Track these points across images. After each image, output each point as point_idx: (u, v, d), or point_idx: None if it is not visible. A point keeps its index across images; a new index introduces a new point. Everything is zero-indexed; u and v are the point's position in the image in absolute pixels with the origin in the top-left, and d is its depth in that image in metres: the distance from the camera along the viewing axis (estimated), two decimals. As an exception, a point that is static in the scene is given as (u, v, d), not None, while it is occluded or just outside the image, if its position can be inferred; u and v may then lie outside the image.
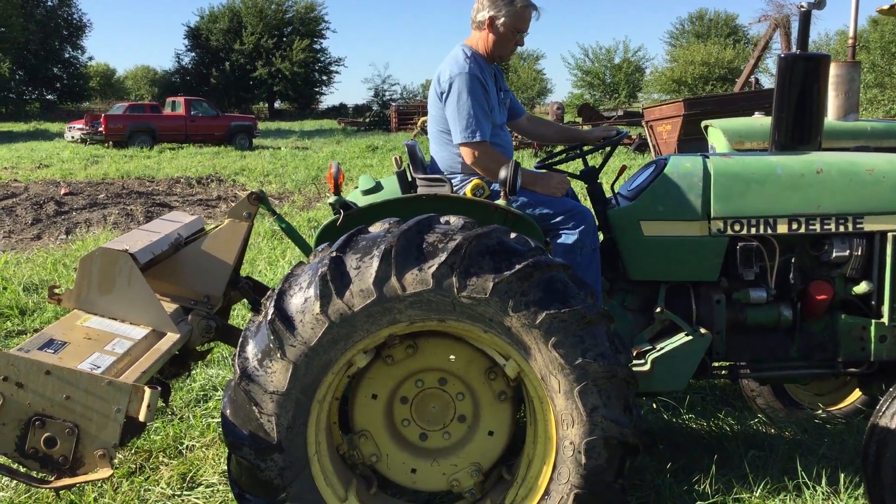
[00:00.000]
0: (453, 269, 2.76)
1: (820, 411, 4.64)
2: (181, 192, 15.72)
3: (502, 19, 3.81)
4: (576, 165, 4.24)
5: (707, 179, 3.62)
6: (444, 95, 3.78)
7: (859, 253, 3.60)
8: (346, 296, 2.78)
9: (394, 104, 44.33)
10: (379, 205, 3.43)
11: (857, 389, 4.50)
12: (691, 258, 3.65)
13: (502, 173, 3.38)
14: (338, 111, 64.69)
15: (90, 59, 69.47)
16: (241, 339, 2.92)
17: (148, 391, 2.76)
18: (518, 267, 2.78)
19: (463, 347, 3.17)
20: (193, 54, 66.20)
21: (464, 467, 3.23)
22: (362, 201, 3.68)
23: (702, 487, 3.81)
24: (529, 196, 3.72)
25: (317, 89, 70.16)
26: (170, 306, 3.63)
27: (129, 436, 3.05)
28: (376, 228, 2.96)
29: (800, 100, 3.87)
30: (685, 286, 3.74)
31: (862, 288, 3.66)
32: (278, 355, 2.82)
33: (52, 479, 2.78)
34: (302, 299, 2.81)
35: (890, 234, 3.57)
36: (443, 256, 2.76)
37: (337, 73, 62.68)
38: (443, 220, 2.95)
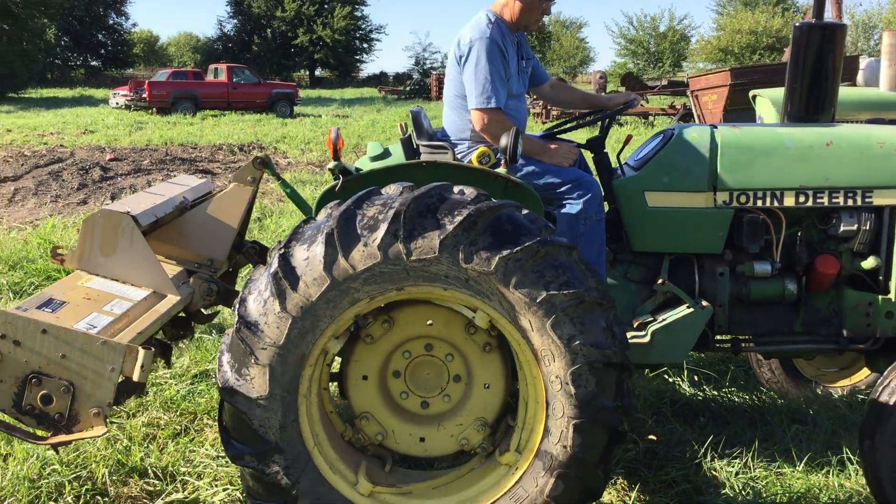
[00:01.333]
0: (459, 242, 2.75)
1: (830, 387, 4.59)
2: (223, 159, 15.84)
3: None
4: (586, 133, 4.19)
5: (714, 150, 3.56)
6: (463, 59, 3.75)
7: (867, 227, 3.53)
8: (301, 288, 2.78)
9: (434, 72, 44.04)
10: (379, 171, 3.44)
11: (865, 366, 4.45)
12: (696, 230, 3.60)
13: (503, 141, 3.36)
14: (378, 79, 64.53)
15: (134, 25, 70.13)
16: (219, 354, 2.93)
17: (142, 352, 2.83)
18: (525, 244, 2.76)
19: (436, 310, 3.15)
20: (235, 21, 66.36)
21: (469, 424, 3.24)
22: (369, 168, 3.66)
23: (744, 461, 3.78)
24: (536, 165, 3.70)
25: (357, 57, 70.02)
26: (173, 269, 3.68)
27: (126, 395, 3.09)
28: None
29: (814, 70, 3.80)
30: (689, 258, 3.69)
31: (869, 263, 3.59)
32: (252, 361, 2.84)
33: (49, 435, 2.84)
34: (262, 302, 2.82)
35: None
36: (450, 228, 2.75)
37: (378, 40, 62.55)
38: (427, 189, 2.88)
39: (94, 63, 65.45)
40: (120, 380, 2.86)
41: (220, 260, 3.76)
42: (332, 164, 3.51)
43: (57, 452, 3.56)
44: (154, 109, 28.41)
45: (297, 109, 30.70)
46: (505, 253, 2.74)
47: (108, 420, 2.87)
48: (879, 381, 3.13)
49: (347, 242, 2.76)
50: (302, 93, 37.75)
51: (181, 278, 3.63)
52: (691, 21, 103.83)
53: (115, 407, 2.95)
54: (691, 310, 3.53)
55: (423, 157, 3.65)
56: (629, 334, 3.52)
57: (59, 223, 8.93)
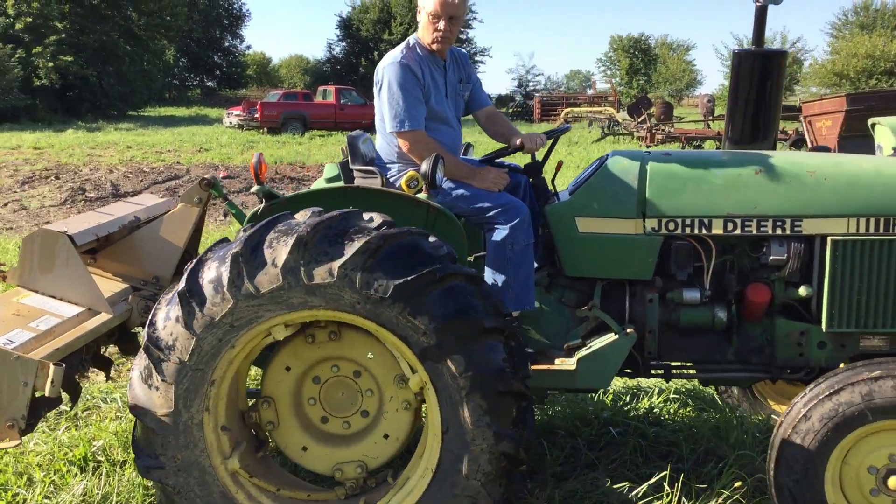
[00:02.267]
0: (356, 268, 2.80)
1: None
2: (330, 178, 16.23)
3: (420, 6, 3.83)
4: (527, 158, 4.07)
5: (643, 177, 3.52)
6: (378, 86, 3.79)
7: (798, 256, 3.46)
8: (207, 308, 2.88)
9: (537, 94, 44.18)
10: (304, 195, 3.52)
11: None
12: (625, 256, 3.56)
13: (423, 167, 3.39)
14: (481, 101, 64.90)
15: (248, 47, 72.55)
16: (130, 370, 2.98)
17: (52, 368, 2.91)
18: (422, 272, 2.81)
19: (383, 349, 3.16)
20: (344, 44, 67.96)
21: (352, 460, 3.25)
22: (315, 189, 3.74)
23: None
24: (466, 189, 3.69)
25: (461, 79, 70.64)
26: (117, 286, 3.78)
27: (44, 409, 3.17)
28: (293, 219, 3.01)
29: (754, 97, 3.76)
30: (621, 284, 3.65)
31: (801, 292, 3.51)
32: (159, 378, 2.94)
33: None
34: (170, 320, 2.92)
35: (829, 238, 3.38)
36: (349, 254, 2.80)
37: (482, 62, 62.68)
38: (327, 216, 2.93)
39: (209, 83, 68.14)
40: (36, 394, 2.95)
41: (165, 278, 3.84)
42: (255, 188, 3.61)
43: None
44: (265, 129, 29.35)
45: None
46: (401, 280, 2.79)
47: (21, 432, 2.96)
48: (786, 410, 3.12)
49: (252, 265, 2.84)
50: (406, 114, 38.26)
51: (121, 296, 3.72)
52: (804, 44, 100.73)
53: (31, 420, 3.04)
54: (616, 336, 3.50)
55: (357, 182, 3.73)
56: (558, 360, 3.54)
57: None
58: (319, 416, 3.29)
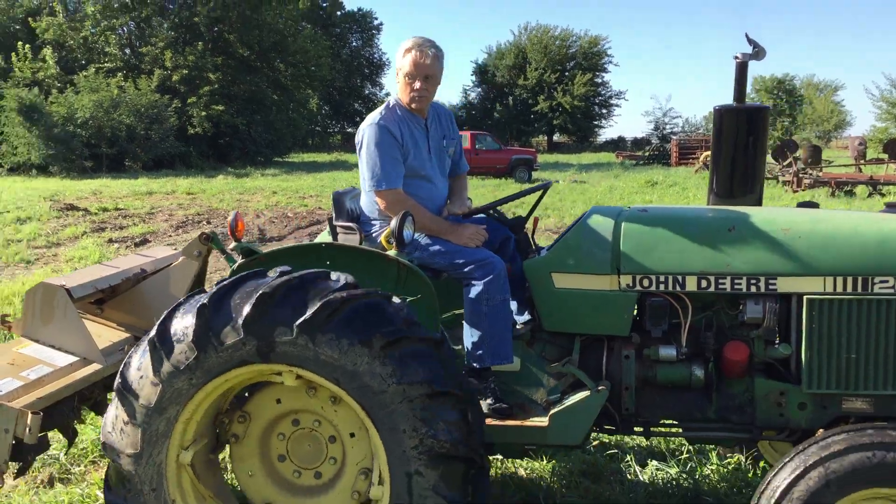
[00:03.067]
0: (315, 328, 2.87)
1: None
2: (465, 224, 16.33)
3: (397, 67, 3.93)
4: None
5: (617, 233, 3.51)
6: (358, 146, 3.91)
7: (774, 315, 3.37)
8: (174, 357, 2.99)
9: (675, 137, 43.29)
10: (280, 251, 3.62)
11: None
12: (601, 312, 3.53)
13: (392, 224, 3.46)
14: (616, 144, 64.42)
15: (387, 94, 74.54)
16: (129, 352, 3.14)
17: (30, 416, 3.12)
18: (377, 335, 2.88)
19: (280, 388, 3.25)
20: (479, 90, 69.15)
21: (355, 475, 3.29)
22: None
23: None
24: (442, 245, 3.74)
25: (596, 122, 70.43)
26: (120, 335, 3.94)
27: (29, 455, 3.35)
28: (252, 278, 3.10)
29: (736, 152, 3.80)
30: (599, 339, 3.63)
31: (780, 351, 3.42)
32: (129, 420, 3.06)
33: None
34: (140, 366, 3.05)
35: (805, 297, 3.29)
36: (308, 313, 2.87)
37: (617, 106, 62.58)
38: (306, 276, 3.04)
39: (349, 130, 70.54)
40: (12, 441, 3.14)
41: None
42: (232, 245, 3.75)
43: None
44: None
45: (535, 174, 31.19)
46: (358, 342, 2.86)
47: (3, 476, 3.20)
48: (773, 468, 3.02)
49: (217, 318, 2.93)
50: (540, 158, 38.39)
51: (119, 346, 3.85)
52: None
53: (12, 464, 3.27)
54: (587, 393, 3.47)
55: (340, 238, 3.85)
56: (533, 416, 3.52)
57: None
58: (312, 475, 3.36)
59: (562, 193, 22.70)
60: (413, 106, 3.92)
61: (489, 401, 3.57)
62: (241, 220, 3.86)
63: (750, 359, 3.45)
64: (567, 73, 65.50)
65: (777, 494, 2.90)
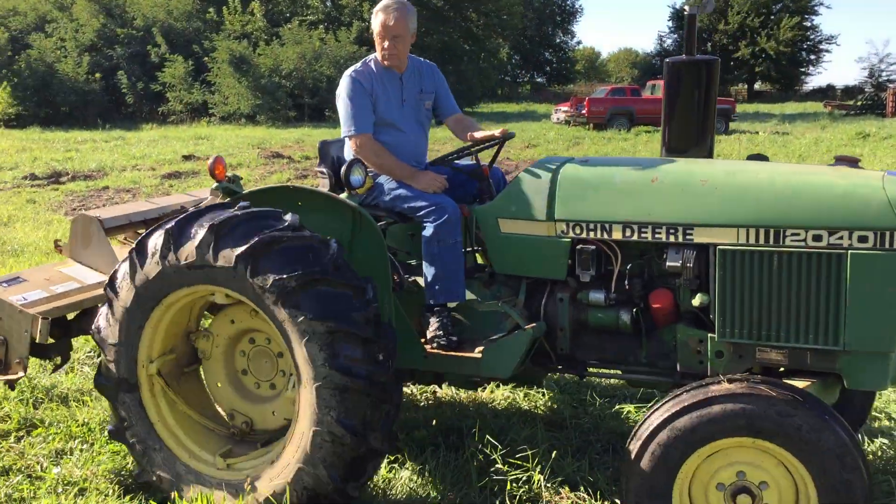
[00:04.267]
0: (248, 259, 3.29)
1: None
2: (656, 177, 15.94)
3: (371, 29, 4.35)
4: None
5: (554, 183, 3.70)
6: (337, 97, 4.29)
7: (692, 264, 3.45)
8: (146, 267, 3.54)
9: (892, 85, 39.84)
10: (255, 192, 3.97)
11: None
12: (540, 256, 3.76)
13: (342, 169, 3.89)
14: (824, 93, 60.11)
15: (578, 43, 73.64)
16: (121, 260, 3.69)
17: (40, 321, 3.94)
18: (298, 272, 3.26)
19: (235, 309, 3.77)
20: (676, 36, 66.39)
21: (245, 413, 3.87)
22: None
23: None
24: (404, 189, 4.08)
25: (803, 69, 65.94)
26: None
27: (49, 351, 4.28)
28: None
29: (687, 105, 3.88)
30: (543, 282, 3.85)
31: (698, 300, 3.51)
32: (111, 315, 3.68)
33: (12, 372, 4.09)
34: (123, 271, 3.62)
35: (718, 248, 3.36)
36: (244, 246, 3.30)
37: (827, 51, 58.18)
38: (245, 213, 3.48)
39: (539, 79, 70.11)
40: (30, 339, 3.97)
41: None
42: (214, 186, 4.33)
43: (12, 388, 4.48)
44: (591, 125, 29.55)
45: (732, 125, 29.79)
46: (281, 276, 3.25)
47: (26, 367, 4.05)
48: (640, 419, 3.12)
49: (179, 240, 3.43)
50: (739, 108, 36.57)
51: None
52: None
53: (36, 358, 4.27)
54: (516, 331, 3.74)
55: (316, 183, 4.31)
56: (479, 348, 3.77)
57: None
58: (242, 367, 3.88)
59: (761, 146, 21.60)
60: (385, 63, 4.28)
61: (438, 333, 3.87)
62: (221, 163, 4.29)
63: (675, 306, 3.60)
64: (773, 17, 61.52)
65: (648, 432, 3.03)
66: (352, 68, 4.32)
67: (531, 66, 69.42)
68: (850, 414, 3.98)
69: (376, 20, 4.23)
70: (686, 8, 3.89)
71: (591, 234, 3.63)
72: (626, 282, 3.66)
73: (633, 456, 3.06)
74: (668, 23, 67.63)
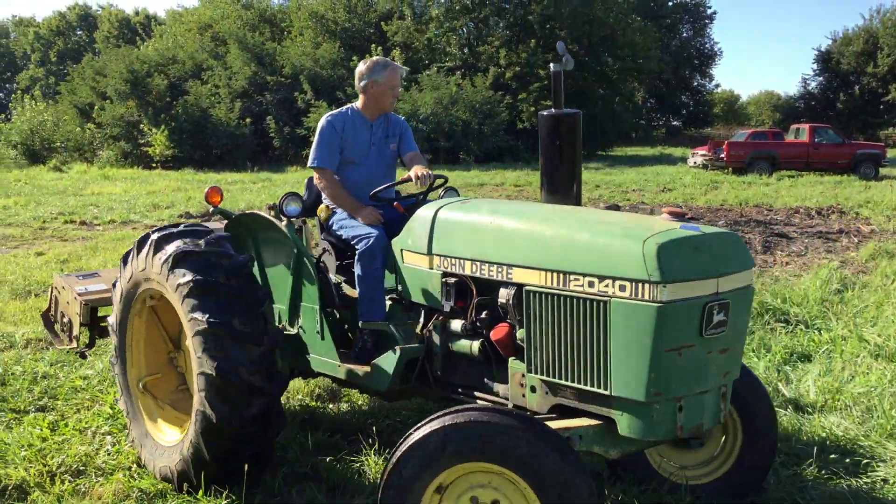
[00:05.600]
0: (167, 265, 4.12)
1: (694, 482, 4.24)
2: (800, 223, 15.42)
3: (359, 85, 5.05)
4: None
5: (433, 220, 4.12)
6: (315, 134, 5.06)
7: (512, 302, 3.71)
8: (129, 267, 4.56)
9: None
10: (237, 217, 4.97)
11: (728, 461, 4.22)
12: (423, 286, 4.19)
13: (279, 200, 4.65)
14: None
15: (717, 86, 72.01)
16: None
17: (83, 306, 5.46)
18: (201, 280, 4.01)
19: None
20: (821, 79, 64.03)
21: None
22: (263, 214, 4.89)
23: None
24: (348, 220, 4.78)
25: (961, 113, 62.05)
26: None
27: (97, 333, 5.70)
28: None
29: (555, 154, 4.12)
30: (432, 309, 4.21)
31: (519, 335, 3.76)
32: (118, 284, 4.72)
33: (67, 343, 5.76)
34: (120, 270, 4.71)
35: (525, 288, 3.60)
36: (166, 255, 4.18)
37: None
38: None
39: (674, 122, 68.96)
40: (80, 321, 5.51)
41: None
42: (211, 210, 4.94)
43: (84, 358, 6.04)
44: (730, 169, 28.84)
45: (882, 171, 28.43)
46: (185, 280, 4.02)
47: (79, 340, 5.58)
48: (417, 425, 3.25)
49: (140, 250, 4.39)
50: (890, 152, 34.84)
51: None
52: None
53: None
54: (391, 352, 4.21)
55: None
56: (376, 361, 4.28)
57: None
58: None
59: (914, 193, 20.49)
60: (358, 111, 5.07)
61: (356, 348, 4.51)
62: (216, 191, 4.88)
63: (512, 340, 3.81)
64: (927, 58, 58.38)
65: (404, 448, 3.16)
66: (329, 113, 5.12)
67: (667, 109, 68.38)
68: (754, 451, 4.13)
69: (386, 75, 4.95)
70: (551, 66, 4.15)
71: (454, 269, 4.00)
72: (475, 314, 3.98)
73: (389, 468, 3.19)
74: (813, 65, 65.28)
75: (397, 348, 4.19)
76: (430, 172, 4.78)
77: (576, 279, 3.37)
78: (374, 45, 41.83)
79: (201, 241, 4.18)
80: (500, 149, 38.82)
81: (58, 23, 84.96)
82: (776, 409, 5.32)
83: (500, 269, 3.75)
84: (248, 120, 38.43)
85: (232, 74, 41.29)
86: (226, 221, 5.01)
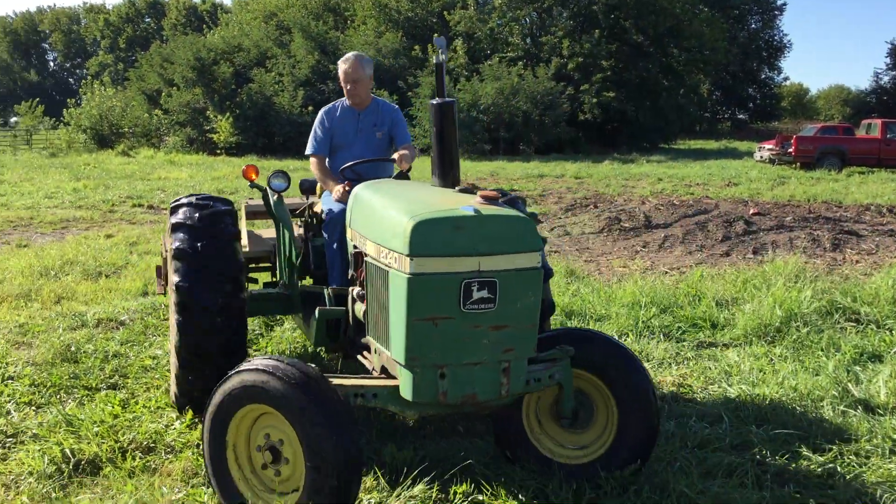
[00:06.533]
0: (173, 228, 4.98)
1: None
2: (870, 221, 14.98)
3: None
4: None
5: (353, 197, 4.54)
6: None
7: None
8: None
9: None
10: (263, 191, 5.62)
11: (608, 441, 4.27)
12: (348, 257, 4.58)
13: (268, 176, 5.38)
14: None
15: (785, 79, 70.42)
16: None
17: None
18: (188, 245, 4.85)
19: None
20: (894, 73, 62.13)
21: None
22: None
23: None
24: (326, 197, 5.43)
25: None
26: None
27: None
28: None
29: (438, 139, 4.27)
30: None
31: None
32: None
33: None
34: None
35: (365, 259, 3.99)
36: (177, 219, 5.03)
37: None
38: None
39: (740, 116, 67.66)
40: None
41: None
42: (249, 184, 5.47)
43: None
44: (797, 164, 28.18)
45: (959, 169, 27.46)
46: (181, 243, 4.86)
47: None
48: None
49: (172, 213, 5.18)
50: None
51: (265, 242, 6.55)
52: None
53: None
54: (314, 313, 4.74)
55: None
56: (311, 320, 4.93)
57: (706, 274, 9.44)
58: None
59: None
60: (348, 102, 5.68)
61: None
62: (251, 169, 5.42)
63: None
64: None
65: (219, 388, 3.68)
66: (325, 106, 5.80)
67: (733, 102, 67.14)
68: (630, 430, 4.18)
69: (340, 69, 5.59)
70: (434, 59, 4.45)
71: (355, 241, 4.34)
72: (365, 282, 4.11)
73: (209, 404, 3.71)
74: (886, 59, 63.37)
75: (318, 310, 4.65)
76: (409, 155, 5.40)
77: (383, 252, 3.71)
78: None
79: (203, 212, 4.98)
80: (561, 140, 38.56)
81: (127, 10, 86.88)
82: (846, 409, 5.22)
83: (363, 241, 4.09)
84: (310, 108, 38.80)
85: (295, 63, 41.75)
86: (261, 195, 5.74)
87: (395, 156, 5.44)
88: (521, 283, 3.52)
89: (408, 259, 3.40)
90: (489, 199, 3.66)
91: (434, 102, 4.24)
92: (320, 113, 5.74)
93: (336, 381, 3.71)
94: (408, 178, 5.35)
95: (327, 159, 5.70)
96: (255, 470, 3.71)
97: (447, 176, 4.27)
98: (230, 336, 4.83)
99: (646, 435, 4.17)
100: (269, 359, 3.62)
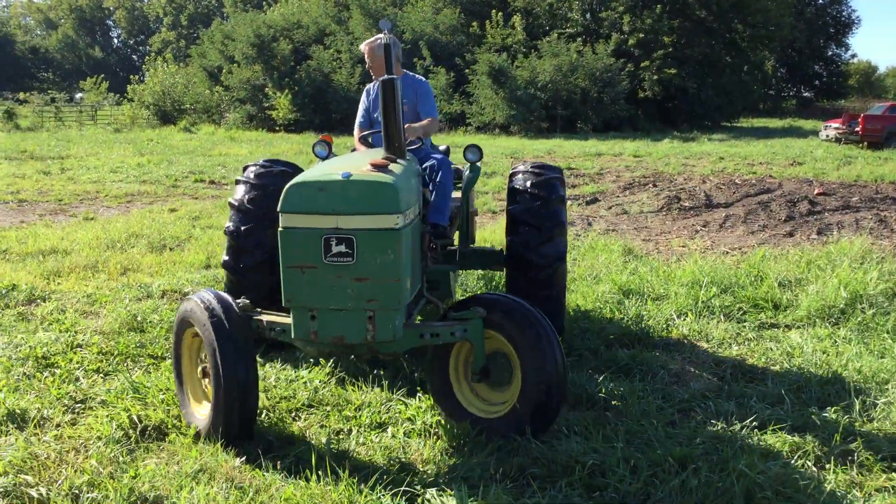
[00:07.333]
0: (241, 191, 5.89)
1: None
2: (941, 202, 14.50)
3: None
4: None
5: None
6: None
7: None
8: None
9: None
10: (323, 158, 5.71)
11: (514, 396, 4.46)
12: None
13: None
14: None
15: (853, 56, 68.40)
16: None
17: None
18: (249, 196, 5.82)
19: None
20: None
21: None
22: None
23: None
24: None
25: None
26: None
27: None
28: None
29: (384, 113, 4.45)
30: None
31: None
32: None
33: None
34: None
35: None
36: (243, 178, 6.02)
37: None
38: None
39: (805, 94, 65.93)
40: None
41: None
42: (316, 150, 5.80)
43: None
44: (865, 144, 27.39)
45: None
46: (240, 197, 5.83)
47: None
48: None
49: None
50: None
51: None
52: None
53: None
54: None
55: None
56: None
57: (769, 254, 9.27)
58: None
59: None
60: (374, 79, 6.00)
61: None
62: (327, 138, 5.91)
63: None
64: None
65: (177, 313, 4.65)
66: (367, 84, 6.28)
67: (798, 79, 65.40)
68: (532, 387, 4.32)
69: (365, 52, 5.97)
70: (380, 39, 5.07)
71: None
72: None
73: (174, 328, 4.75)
74: (962, 34, 60.93)
75: None
76: (416, 127, 5.68)
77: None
78: (494, 11, 41.52)
79: (269, 176, 5.79)
80: (620, 118, 38.04)
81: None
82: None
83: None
84: (367, 85, 38.99)
85: (353, 40, 41.84)
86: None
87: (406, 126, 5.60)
88: (377, 242, 3.99)
89: (280, 215, 4.05)
90: (376, 167, 4.24)
91: (380, 80, 4.49)
92: (364, 90, 6.30)
93: (259, 317, 4.47)
94: (417, 146, 5.75)
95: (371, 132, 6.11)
96: (199, 380, 4.65)
97: (391, 146, 4.55)
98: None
99: (545, 396, 4.28)
100: (206, 291, 4.48)
